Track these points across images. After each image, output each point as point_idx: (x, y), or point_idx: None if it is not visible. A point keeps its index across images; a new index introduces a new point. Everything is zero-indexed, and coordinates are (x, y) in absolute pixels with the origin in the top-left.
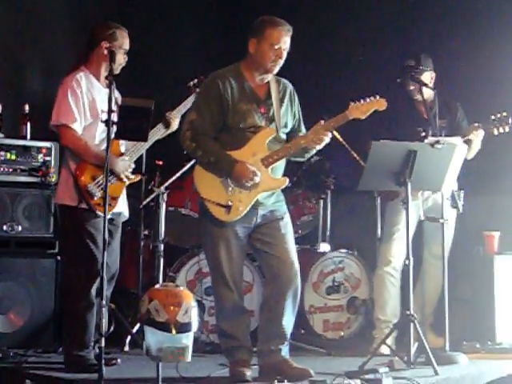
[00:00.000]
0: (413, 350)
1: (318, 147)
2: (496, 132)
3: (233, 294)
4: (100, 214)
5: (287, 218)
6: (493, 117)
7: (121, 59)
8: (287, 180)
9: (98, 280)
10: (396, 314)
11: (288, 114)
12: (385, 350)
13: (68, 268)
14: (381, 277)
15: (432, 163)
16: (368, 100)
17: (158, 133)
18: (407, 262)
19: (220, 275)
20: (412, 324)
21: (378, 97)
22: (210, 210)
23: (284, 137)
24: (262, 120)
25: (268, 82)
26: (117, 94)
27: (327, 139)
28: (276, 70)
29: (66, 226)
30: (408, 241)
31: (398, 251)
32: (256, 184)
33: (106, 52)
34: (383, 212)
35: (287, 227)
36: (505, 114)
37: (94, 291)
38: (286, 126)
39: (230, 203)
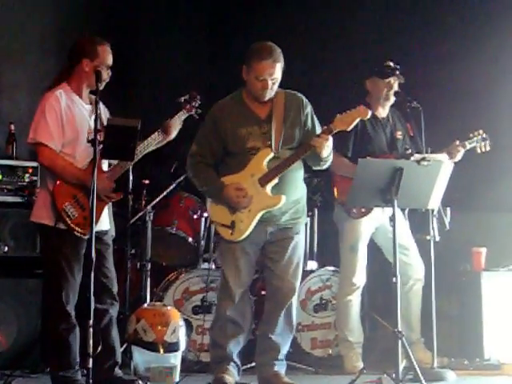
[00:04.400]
0: (401, 367)
1: (325, 152)
2: (479, 151)
3: (233, 307)
4: (79, 235)
5: (299, 238)
6: (471, 135)
7: (104, 75)
8: (283, 197)
9: (75, 300)
10: (361, 331)
11: (295, 127)
12: (360, 366)
13: (45, 289)
14: (346, 304)
15: (418, 180)
16: (351, 110)
17: (152, 143)
18: (394, 280)
19: (225, 287)
20: (400, 341)
21: (360, 106)
22: (218, 231)
23: (289, 153)
24: (264, 141)
25: (272, 100)
26: (103, 109)
27: (328, 142)
28: (265, 97)
29: (42, 244)
30: (395, 257)
31: (360, 272)
32: (253, 203)
33: (87, 69)
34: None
35: (297, 247)
36: (481, 132)
37: (72, 312)
38: (292, 142)
39: (232, 224)
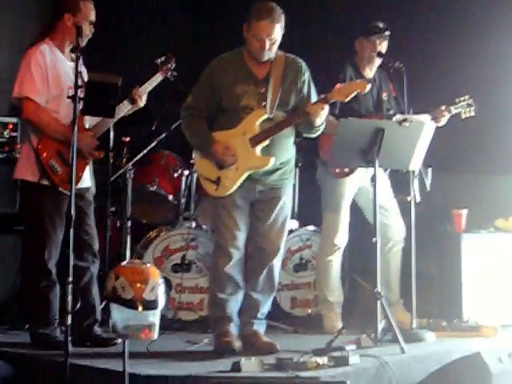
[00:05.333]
0: (380, 327)
1: (319, 120)
2: (463, 116)
3: (230, 262)
4: (62, 190)
5: (286, 199)
6: (457, 100)
7: (86, 31)
8: (272, 159)
9: (57, 257)
10: (341, 291)
11: (291, 91)
12: (339, 326)
13: (26, 246)
14: (327, 264)
15: (400, 141)
16: (350, 82)
17: (123, 109)
18: (374, 240)
19: (220, 243)
20: (379, 302)
21: (364, 76)
22: (202, 185)
23: (282, 115)
24: (258, 101)
25: (271, 61)
26: (83, 69)
27: (323, 111)
28: (264, 57)
29: (24, 202)
30: (375, 218)
31: (342, 232)
32: (241, 162)
33: (69, 24)
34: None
35: (283, 207)
36: (468, 98)
37: (53, 269)
38: (287, 105)
39: (218, 179)
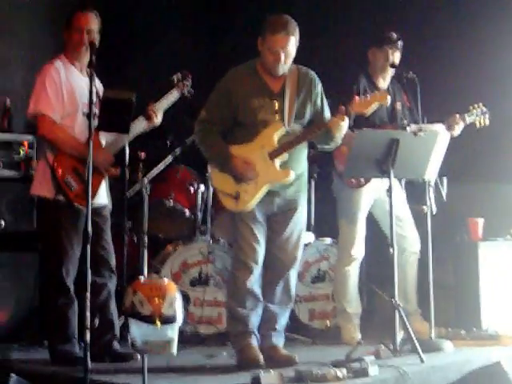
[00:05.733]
0: (398, 338)
1: (338, 133)
2: (478, 125)
3: (250, 276)
4: (78, 206)
5: (301, 210)
6: (471, 108)
7: (83, 39)
8: (292, 172)
9: (75, 274)
10: (359, 302)
11: (307, 104)
12: (358, 337)
13: (43, 262)
14: (344, 274)
15: (414, 151)
16: (371, 95)
17: (139, 126)
18: (391, 251)
19: (239, 257)
20: (397, 312)
21: (379, 88)
22: (220, 199)
23: (299, 128)
24: (274, 114)
25: (285, 75)
26: (98, 84)
27: (344, 123)
28: (279, 71)
29: (41, 218)
30: (392, 229)
31: (359, 243)
32: (261, 176)
33: (68, 39)
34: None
35: (299, 220)
36: (482, 105)
37: (72, 286)
38: (302, 118)
39: (237, 194)
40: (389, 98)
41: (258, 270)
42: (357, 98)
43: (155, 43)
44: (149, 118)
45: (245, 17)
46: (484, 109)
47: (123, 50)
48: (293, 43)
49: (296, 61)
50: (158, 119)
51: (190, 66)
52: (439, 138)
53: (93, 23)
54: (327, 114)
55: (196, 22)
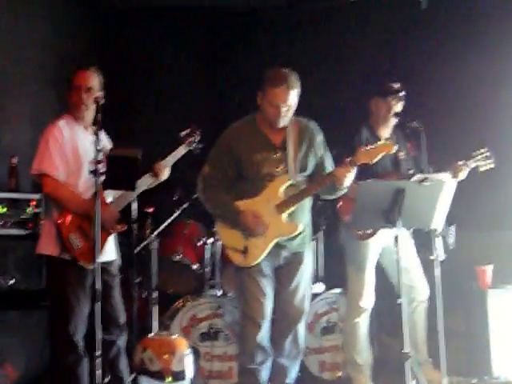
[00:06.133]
0: None
1: (345, 184)
2: (482, 169)
3: (259, 332)
4: (83, 265)
5: (307, 261)
6: (474, 154)
7: (80, 97)
8: (301, 225)
9: (84, 332)
10: (370, 353)
11: (309, 155)
12: None
13: (51, 320)
14: (354, 326)
15: (421, 200)
16: (376, 144)
17: (145, 182)
18: (399, 302)
19: (247, 312)
20: (407, 362)
21: (386, 140)
22: (229, 255)
23: (303, 180)
24: (278, 167)
25: (286, 127)
26: (105, 140)
27: (350, 174)
28: (280, 124)
29: (48, 276)
30: (400, 279)
31: (368, 294)
32: (269, 230)
33: (69, 99)
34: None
35: (305, 272)
36: (485, 150)
37: (81, 343)
38: (305, 170)
39: (245, 249)
40: (396, 146)
41: (266, 324)
42: (362, 148)
43: (164, 98)
44: (156, 176)
45: (253, 71)
46: (487, 153)
47: (132, 105)
48: (293, 96)
49: (297, 112)
50: (164, 175)
51: (199, 120)
52: (445, 186)
53: (92, 81)
54: (330, 163)
55: (205, 77)
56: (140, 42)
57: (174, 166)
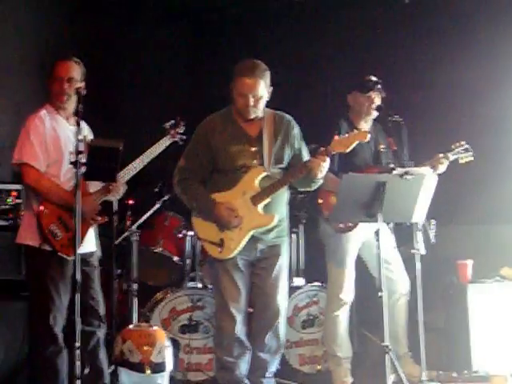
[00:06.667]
0: (389, 381)
1: (320, 174)
2: (462, 161)
3: (235, 325)
4: (63, 256)
5: (285, 256)
6: (453, 146)
7: (62, 87)
8: (276, 216)
9: (63, 323)
10: (349, 346)
11: (285, 147)
12: (349, 382)
13: (31, 312)
14: (334, 319)
15: (402, 194)
16: (350, 133)
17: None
18: (380, 295)
19: (222, 306)
20: (387, 356)
21: (360, 129)
22: (205, 248)
23: (278, 172)
24: (254, 159)
25: (261, 119)
26: (87, 131)
27: (325, 164)
28: (250, 114)
29: (28, 267)
30: (380, 272)
31: (348, 288)
32: (244, 222)
33: (50, 89)
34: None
35: (283, 265)
36: (464, 143)
37: (60, 334)
38: (281, 162)
39: (221, 241)
40: (369, 135)
41: (241, 317)
42: (336, 136)
43: (149, 89)
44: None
45: (237, 63)
46: (467, 146)
47: (115, 97)
48: (262, 87)
49: (276, 107)
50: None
51: (183, 111)
52: (426, 180)
53: (74, 72)
54: (306, 156)
55: (190, 68)
56: (124, 32)
57: (156, 159)
